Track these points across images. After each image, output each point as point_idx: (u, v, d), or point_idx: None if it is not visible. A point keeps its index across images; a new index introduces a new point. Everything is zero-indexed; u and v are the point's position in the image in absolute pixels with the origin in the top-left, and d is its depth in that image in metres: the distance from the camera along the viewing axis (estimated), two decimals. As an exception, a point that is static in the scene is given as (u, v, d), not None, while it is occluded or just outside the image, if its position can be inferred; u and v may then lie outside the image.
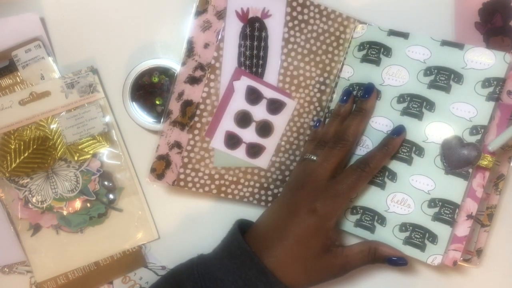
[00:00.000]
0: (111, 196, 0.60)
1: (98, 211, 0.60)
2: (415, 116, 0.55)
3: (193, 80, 0.55)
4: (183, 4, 0.60)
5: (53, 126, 0.59)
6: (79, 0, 0.60)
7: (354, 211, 0.56)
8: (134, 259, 0.61)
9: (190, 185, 0.57)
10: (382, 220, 0.56)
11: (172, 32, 0.60)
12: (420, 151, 0.54)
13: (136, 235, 0.60)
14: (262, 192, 0.59)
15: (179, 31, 0.60)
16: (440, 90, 0.54)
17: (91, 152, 0.59)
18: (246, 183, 0.58)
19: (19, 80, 0.59)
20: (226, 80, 0.56)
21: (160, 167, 0.56)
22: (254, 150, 0.58)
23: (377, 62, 0.56)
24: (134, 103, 0.59)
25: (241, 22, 0.56)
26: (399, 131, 0.54)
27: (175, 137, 0.56)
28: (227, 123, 0.57)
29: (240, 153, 0.57)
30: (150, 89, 0.59)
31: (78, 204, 0.60)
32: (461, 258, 0.55)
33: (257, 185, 0.59)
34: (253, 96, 0.57)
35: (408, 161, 0.55)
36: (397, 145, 0.54)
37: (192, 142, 0.56)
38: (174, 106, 0.56)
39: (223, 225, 0.60)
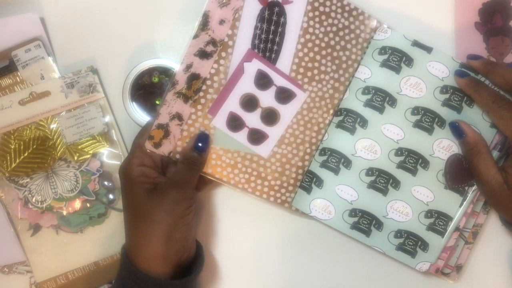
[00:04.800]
0: (111, 196, 0.60)
1: (98, 211, 0.60)
2: (426, 130, 0.56)
3: (203, 54, 0.55)
4: (183, 4, 0.60)
5: (53, 126, 0.59)
6: (79, 0, 0.60)
7: (353, 213, 0.56)
8: (134, 259, 0.61)
9: None
10: (379, 225, 0.56)
11: (172, 32, 0.60)
12: (425, 164, 0.56)
13: (136, 235, 0.60)
14: (259, 181, 0.57)
15: (179, 31, 0.60)
16: (452, 109, 0.56)
17: (91, 152, 0.59)
18: (244, 169, 0.57)
19: (19, 80, 0.59)
20: (237, 60, 0.55)
21: (158, 136, 0.55)
22: (257, 137, 0.57)
23: (397, 69, 0.56)
24: (134, 103, 0.59)
25: (261, 5, 0.55)
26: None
27: (178, 108, 0.55)
28: (232, 104, 0.56)
29: (241, 137, 0.56)
30: (150, 89, 0.59)
31: (78, 204, 0.60)
32: (441, 271, 0.57)
33: (255, 173, 0.57)
34: (263, 81, 0.56)
35: (413, 172, 0.56)
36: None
37: (193, 117, 0.55)
38: (181, 77, 0.55)
39: (221, 222, 0.60)
